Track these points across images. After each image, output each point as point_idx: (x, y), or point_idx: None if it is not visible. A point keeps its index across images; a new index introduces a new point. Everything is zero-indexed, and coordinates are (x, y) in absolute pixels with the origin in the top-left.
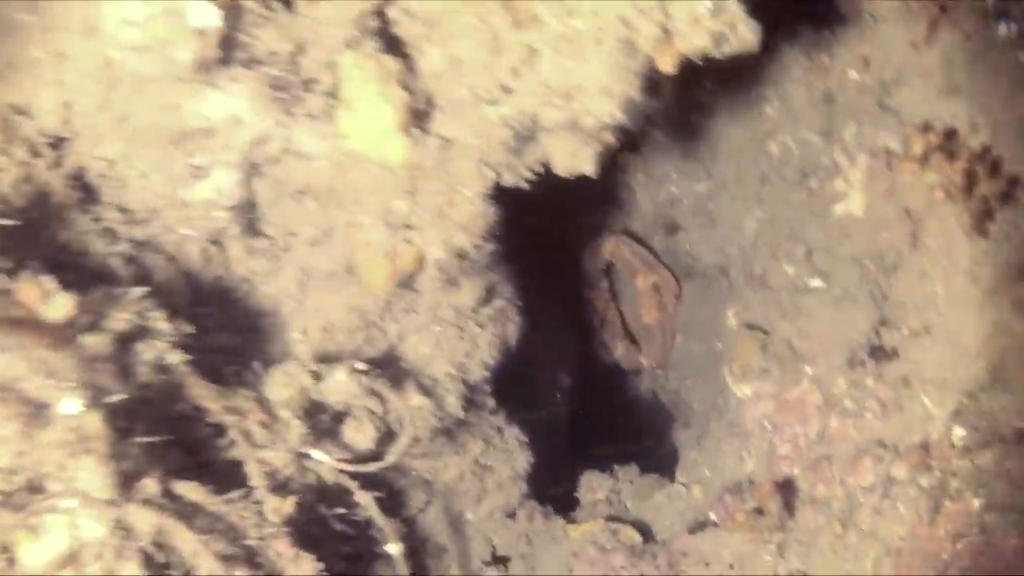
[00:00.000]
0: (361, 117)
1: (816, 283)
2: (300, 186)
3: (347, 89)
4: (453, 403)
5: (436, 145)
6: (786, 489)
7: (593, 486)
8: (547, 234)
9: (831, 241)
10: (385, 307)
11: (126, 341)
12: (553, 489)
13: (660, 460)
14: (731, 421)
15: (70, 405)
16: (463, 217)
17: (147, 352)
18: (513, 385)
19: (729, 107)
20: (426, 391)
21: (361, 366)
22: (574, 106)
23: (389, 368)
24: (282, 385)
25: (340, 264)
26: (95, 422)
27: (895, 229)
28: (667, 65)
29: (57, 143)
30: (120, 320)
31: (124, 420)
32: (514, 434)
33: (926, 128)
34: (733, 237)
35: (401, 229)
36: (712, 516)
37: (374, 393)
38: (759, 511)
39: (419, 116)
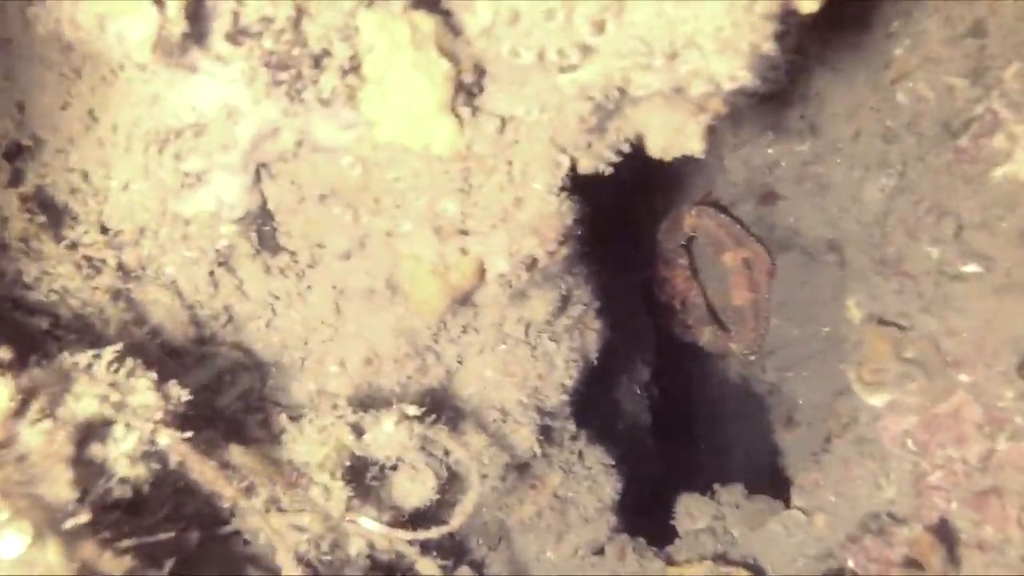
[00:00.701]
0: (392, 97)
1: (971, 268)
2: (323, 188)
3: (371, 62)
4: (527, 437)
5: (493, 127)
6: (942, 530)
7: (692, 512)
8: (616, 206)
9: (990, 214)
10: (440, 327)
11: (93, 430)
12: (643, 509)
13: (759, 462)
14: (861, 436)
15: (11, 543)
16: (533, 218)
17: (125, 441)
18: (590, 389)
19: (840, 46)
20: (493, 427)
21: (413, 410)
22: (681, 68)
23: (447, 403)
24: (317, 443)
25: (381, 280)
26: (49, 558)
27: None
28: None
29: (13, 152)
30: (85, 400)
31: (96, 546)
32: (597, 457)
33: None
34: (850, 209)
35: (454, 236)
36: (850, 563)
37: (431, 443)
38: (914, 563)
39: (468, 91)
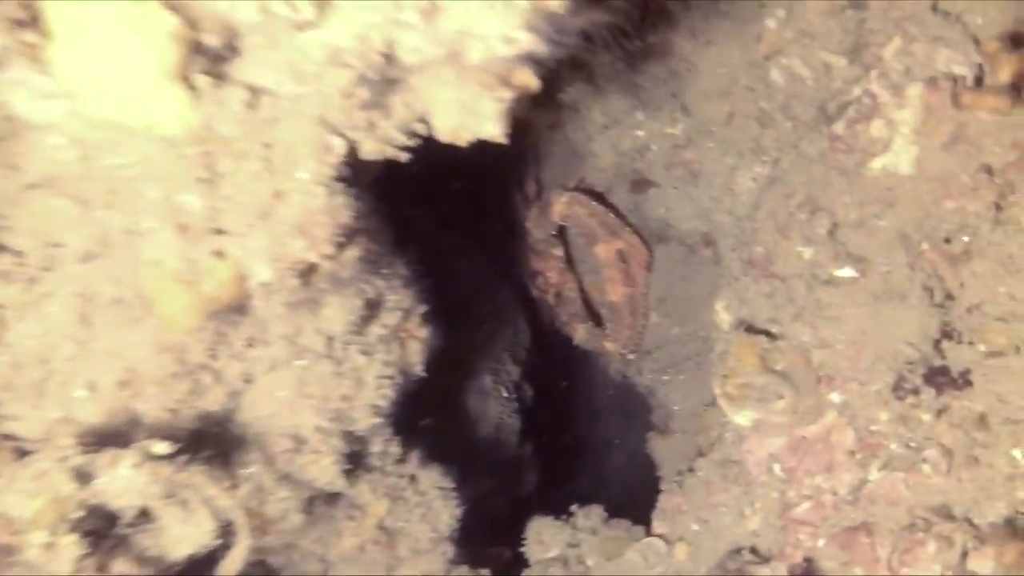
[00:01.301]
0: (94, 61)
1: (845, 272)
2: (36, 176)
3: (55, 10)
4: (327, 468)
5: (240, 102)
6: (807, 571)
7: (544, 539)
8: (479, 193)
9: (867, 212)
10: (217, 340)
11: None
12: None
13: (640, 470)
14: (727, 457)
15: None
16: (297, 214)
17: None
18: (441, 395)
19: (710, 13)
20: (284, 459)
21: (160, 448)
22: (445, 25)
23: (230, 431)
24: (27, 494)
25: (131, 287)
26: None
27: (966, 196)
28: None
29: None
30: None
31: None
32: (433, 481)
33: (1017, 41)
34: (722, 199)
35: (205, 236)
36: None
37: (185, 488)
38: None
39: (212, 55)
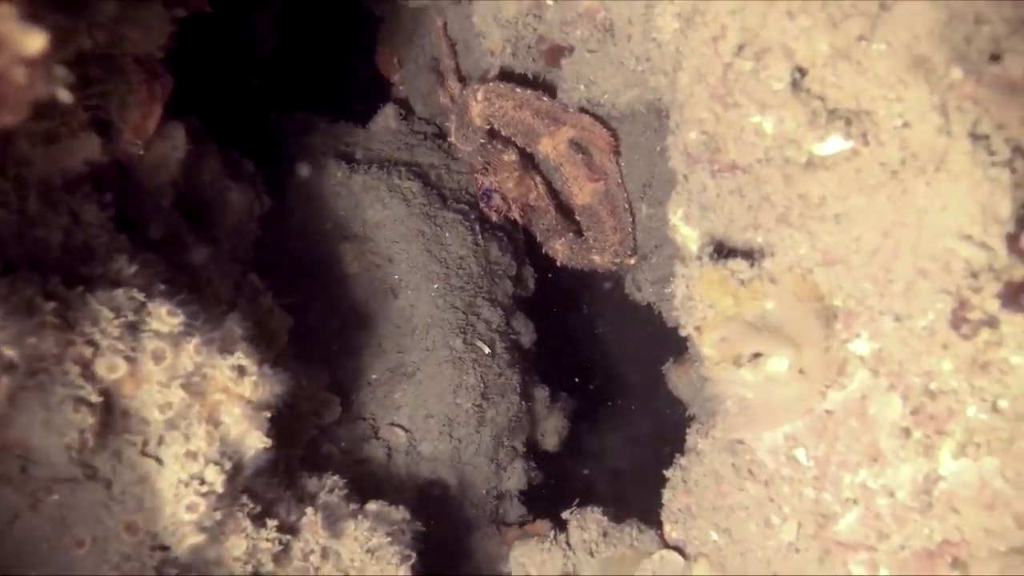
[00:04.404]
0: None
1: (832, 144)
2: None
3: None
4: None
5: None
6: None
7: (531, 571)
8: None
9: (847, 32)
10: None
11: None
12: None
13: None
14: (730, 433)
15: None
16: None
17: None
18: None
19: None
20: None
21: None
22: None
23: None
24: None
25: None
26: None
27: None
28: None
29: None
30: None
31: None
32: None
33: None
34: (648, 54)
35: None
36: None
37: None
38: None
39: None
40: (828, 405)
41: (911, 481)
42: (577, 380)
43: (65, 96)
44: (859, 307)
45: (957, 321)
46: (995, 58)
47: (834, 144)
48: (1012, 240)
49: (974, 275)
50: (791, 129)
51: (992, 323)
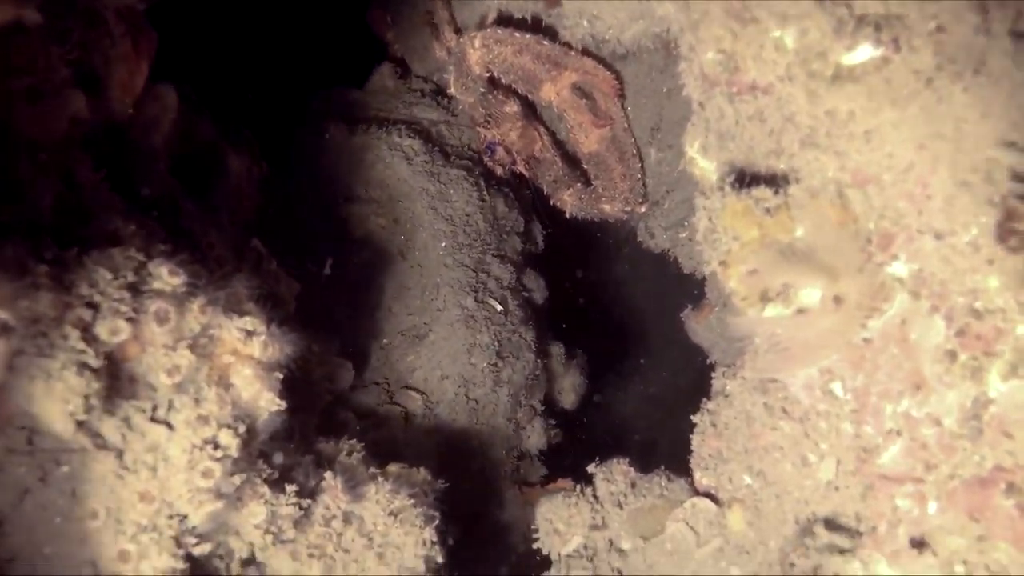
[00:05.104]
0: None
1: (863, 52)
2: None
3: None
4: None
5: None
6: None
7: (558, 527)
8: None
9: None
10: None
11: None
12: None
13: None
14: (761, 371)
15: None
16: None
17: None
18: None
19: None
20: None
21: None
22: None
23: None
24: None
25: None
26: None
27: None
28: None
29: None
30: None
31: None
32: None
33: None
34: None
35: None
36: None
37: None
38: None
39: None
40: (866, 334)
41: (959, 407)
42: (593, 335)
43: (33, 17)
44: (895, 228)
45: (1004, 234)
46: None
47: (863, 53)
48: None
49: (1021, 182)
50: (816, 40)
51: None
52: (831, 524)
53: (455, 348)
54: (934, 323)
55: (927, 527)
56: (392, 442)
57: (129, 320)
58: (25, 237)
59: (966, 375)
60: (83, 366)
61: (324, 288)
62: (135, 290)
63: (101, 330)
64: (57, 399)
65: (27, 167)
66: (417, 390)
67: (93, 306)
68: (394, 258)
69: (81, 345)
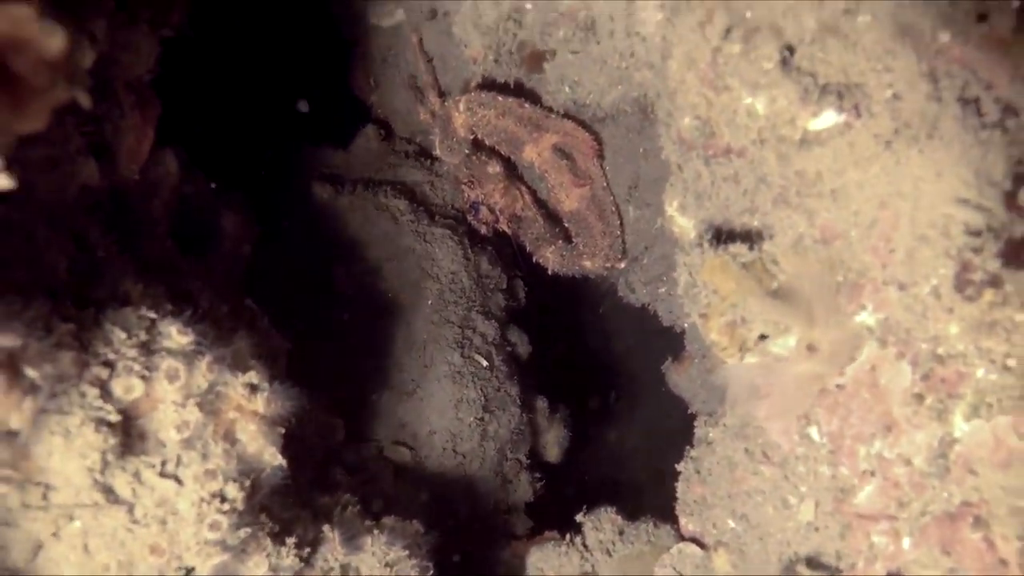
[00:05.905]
0: None
1: (826, 118)
2: None
3: None
4: None
5: None
6: None
7: (548, 573)
8: None
9: (832, 7)
10: None
11: None
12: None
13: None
14: (745, 422)
15: None
16: None
17: None
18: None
19: None
20: None
21: None
22: None
23: None
24: None
25: None
26: None
27: None
28: None
29: None
30: None
31: None
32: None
33: None
34: (632, 49)
35: None
36: None
37: None
38: None
39: None
40: (839, 379)
41: (927, 447)
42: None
43: (85, 100)
44: (862, 279)
45: (961, 284)
46: (982, 17)
47: (827, 119)
48: (1009, 198)
49: (974, 236)
50: (784, 107)
51: (995, 282)
52: (813, 562)
53: (443, 403)
54: (901, 368)
55: (902, 561)
56: (382, 497)
57: (142, 378)
58: (47, 297)
59: (932, 416)
60: (101, 422)
61: (313, 345)
62: (147, 349)
63: (117, 387)
64: (76, 455)
65: (44, 231)
66: (406, 445)
67: (109, 364)
68: (382, 315)
69: (99, 402)
